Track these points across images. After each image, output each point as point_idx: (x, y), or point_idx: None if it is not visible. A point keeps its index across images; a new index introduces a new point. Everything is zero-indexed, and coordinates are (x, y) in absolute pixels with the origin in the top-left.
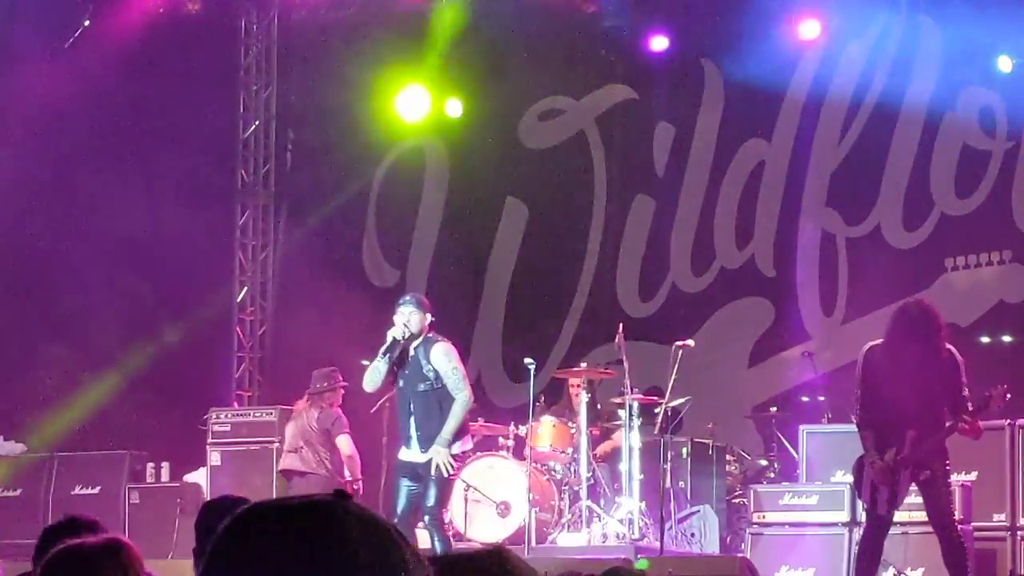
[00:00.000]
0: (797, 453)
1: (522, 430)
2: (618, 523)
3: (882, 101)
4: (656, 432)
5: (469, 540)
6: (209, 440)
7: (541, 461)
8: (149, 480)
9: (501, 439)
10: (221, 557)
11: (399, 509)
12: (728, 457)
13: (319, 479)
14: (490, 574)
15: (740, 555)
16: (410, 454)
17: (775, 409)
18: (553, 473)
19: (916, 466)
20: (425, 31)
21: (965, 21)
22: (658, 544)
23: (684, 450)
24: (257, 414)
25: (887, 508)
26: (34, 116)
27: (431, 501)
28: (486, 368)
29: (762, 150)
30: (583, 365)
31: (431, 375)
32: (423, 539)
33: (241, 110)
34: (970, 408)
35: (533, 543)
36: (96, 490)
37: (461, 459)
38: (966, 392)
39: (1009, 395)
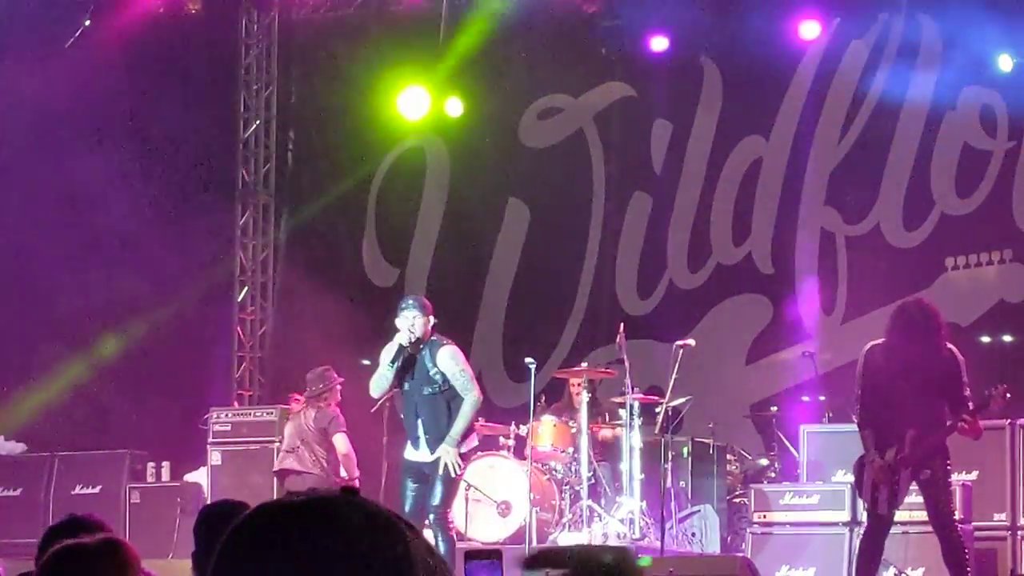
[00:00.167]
0: (798, 453)
1: (523, 430)
2: (619, 523)
3: (883, 100)
4: (657, 432)
5: (470, 540)
6: (210, 440)
7: (542, 461)
8: (150, 480)
9: (502, 439)
10: (229, 559)
11: (406, 509)
12: (729, 457)
13: (315, 479)
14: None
15: (741, 555)
16: (418, 455)
17: (775, 409)
18: (554, 473)
19: (916, 465)
20: (436, 32)
21: (965, 20)
22: (659, 544)
23: (685, 450)
24: (257, 414)
25: (888, 508)
26: (34, 116)
27: (436, 500)
28: (487, 368)
29: (760, 147)
30: (584, 365)
31: (438, 378)
32: (426, 539)
33: (241, 110)
34: (970, 407)
35: (534, 543)
36: (96, 489)
37: (466, 458)
38: (967, 391)
39: (1009, 395)
